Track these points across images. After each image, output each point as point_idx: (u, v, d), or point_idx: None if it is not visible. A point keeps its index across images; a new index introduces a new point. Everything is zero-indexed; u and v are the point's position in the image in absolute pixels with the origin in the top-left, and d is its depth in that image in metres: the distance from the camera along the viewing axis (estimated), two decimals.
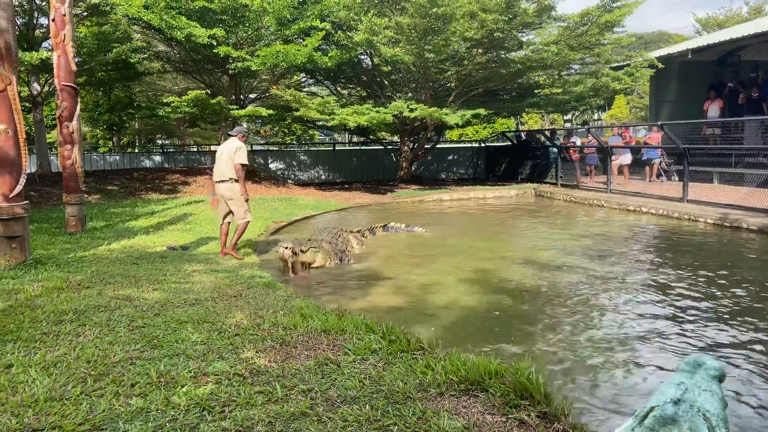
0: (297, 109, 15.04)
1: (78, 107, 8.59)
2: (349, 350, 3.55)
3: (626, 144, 15.42)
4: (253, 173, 17.49)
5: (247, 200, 7.21)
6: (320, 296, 5.87)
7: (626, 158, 14.94)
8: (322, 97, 18.16)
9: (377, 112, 14.18)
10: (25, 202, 6.24)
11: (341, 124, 14.80)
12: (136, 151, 25.22)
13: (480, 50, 14.76)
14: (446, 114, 14.34)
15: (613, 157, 14.92)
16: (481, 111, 14.98)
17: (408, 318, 5.03)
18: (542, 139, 18.99)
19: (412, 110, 14.21)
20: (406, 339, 3.70)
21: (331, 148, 21.62)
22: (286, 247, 6.69)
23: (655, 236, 9.28)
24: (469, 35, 13.74)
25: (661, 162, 15.18)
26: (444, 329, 4.76)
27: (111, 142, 24.90)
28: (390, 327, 3.91)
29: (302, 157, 20.26)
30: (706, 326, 4.78)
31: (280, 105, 16.75)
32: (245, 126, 7.66)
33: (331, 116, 14.52)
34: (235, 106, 15.31)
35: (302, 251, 6.86)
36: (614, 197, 13.14)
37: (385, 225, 9.88)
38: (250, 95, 21.41)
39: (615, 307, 5.36)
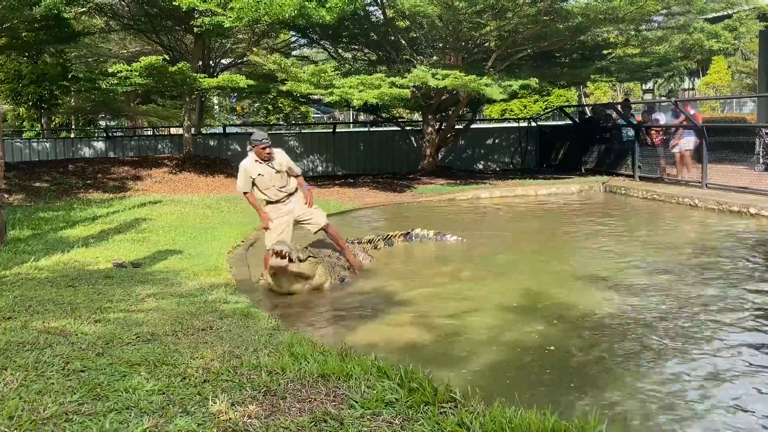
0: (284, 81, 15.12)
1: None
2: (356, 402, 3.55)
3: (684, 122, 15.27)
4: (226, 165, 17.60)
5: (266, 228, 7.59)
6: (316, 328, 5.87)
7: (688, 142, 14.89)
8: (317, 63, 18.25)
9: (391, 84, 14.16)
10: None
11: (343, 100, 14.81)
12: (72, 135, 25.51)
13: None
14: (486, 85, 14.30)
15: (672, 141, 15.04)
16: (533, 82, 14.93)
17: (434, 358, 5.02)
18: (614, 115, 18.90)
19: (439, 79, 14.21)
20: (432, 387, 3.68)
21: (331, 131, 21.69)
22: (279, 252, 6.63)
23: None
24: None
25: None
26: (481, 373, 4.74)
27: (39, 125, 25.19)
28: (410, 371, 3.90)
29: (292, 143, 20.34)
30: None
31: (262, 73, 16.86)
32: (262, 132, 7.89)
33: (329, 90, 14.55)
34: (202, 75, 15.43)
35: (299, 259, 6.80)
36: (711, 194, 13.04)
37: (408, 233, 9.88)
38: (223, 60, 21.59)
39: (714, 343, 5.31)
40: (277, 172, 7.52)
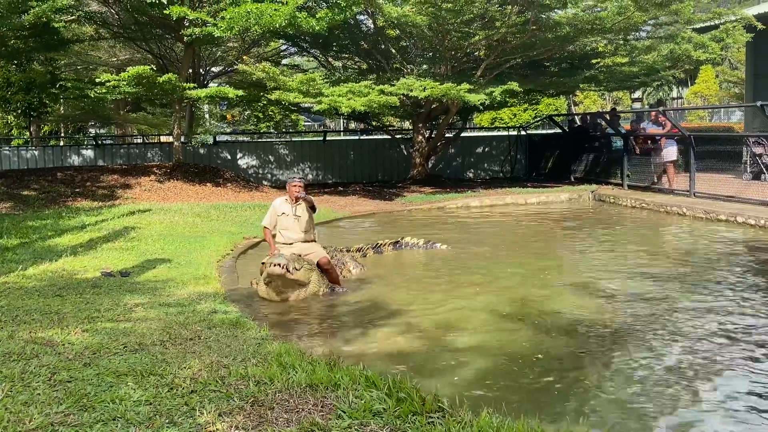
0: (273, 89, 15.13)
1: None
2: (344, 412, 3.55)
3: (668, 132, 15.36)
4: (216, 173, 17.58)
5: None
6: (305, 338, 5.86)
7: (670, 153, 14.98)
8: (306, 71, 18.27)
9: (380, 92, 14.21)
10: None
11: (332, 108, 14.85)
12: (61, 144, 25.41)
13: (515, 7, 14.82)
14: (467, 92, 14.35)
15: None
16: (514, 86, 14.94)
17: (422, 367, 5.03)
18: (603, 124, 19.01)
19: (421, 90, 14.25)
20: (420, 397, 3.69)
21: (321, 139, 21.71)
22: (278, 264, 6.72)
23: (756, 256, 9.24)
24: None
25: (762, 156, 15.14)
26: (470, 382, 4.74)
27: (28, 132, 25.09)
28: (398, 381, 3.90)
29: (282, 151, 20.35)
30: None
31: (252, 81, 16.87)
32: (298, 173, 8.06)
33: (318, 98, 14.58)
34: (192, 84, 15.41)
35: (296, 269, 6.90)
36: (699, 203, 13.12)
37: (397, 242, 9.91)
38: (213, 69, 21.58)
39: (704, 348, 5.34)
40: (297, 217, 7.63)
